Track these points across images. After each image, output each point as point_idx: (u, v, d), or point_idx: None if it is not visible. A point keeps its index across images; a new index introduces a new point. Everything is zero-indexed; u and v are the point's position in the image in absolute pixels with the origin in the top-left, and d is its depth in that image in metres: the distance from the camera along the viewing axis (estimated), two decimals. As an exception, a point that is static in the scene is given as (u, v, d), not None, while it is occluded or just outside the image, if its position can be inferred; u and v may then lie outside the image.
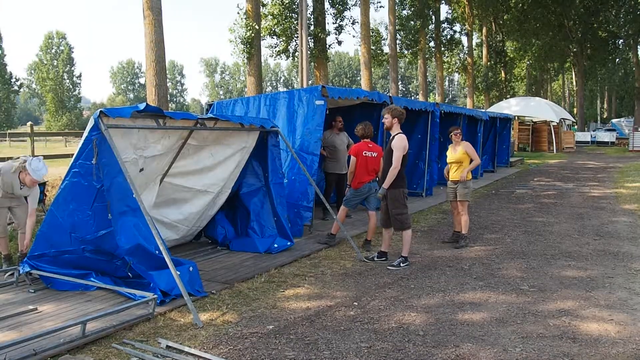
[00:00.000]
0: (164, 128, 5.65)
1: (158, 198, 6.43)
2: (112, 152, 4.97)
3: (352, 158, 7.14)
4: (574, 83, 55.47)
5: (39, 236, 5.37)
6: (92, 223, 5.13)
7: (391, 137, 6.52)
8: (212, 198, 7.13)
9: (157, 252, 5.20)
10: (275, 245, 7.04)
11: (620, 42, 48.59)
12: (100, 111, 4.98)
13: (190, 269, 5.26)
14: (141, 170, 5.77)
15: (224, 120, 6.43)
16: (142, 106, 5.19)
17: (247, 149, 7.14)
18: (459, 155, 7.59)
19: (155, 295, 4.72)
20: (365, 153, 7.05)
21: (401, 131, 6.52)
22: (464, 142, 7.70)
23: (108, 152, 5.02)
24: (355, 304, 5.11)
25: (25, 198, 6.13)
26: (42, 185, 8.18)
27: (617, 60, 50.53)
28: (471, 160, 7.61)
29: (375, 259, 6.71)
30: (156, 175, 6.27)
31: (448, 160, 7.77)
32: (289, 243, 7.17)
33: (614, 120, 47.83)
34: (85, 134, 5.07)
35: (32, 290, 5.31)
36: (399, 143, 6.38)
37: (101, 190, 5.08)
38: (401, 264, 6.42)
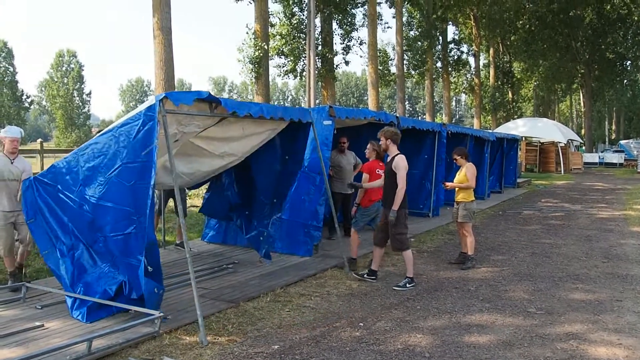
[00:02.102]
0: (213, 115, 5.71)
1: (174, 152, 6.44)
2: (153, 152, 4.90)
3: (365, 175, 7.21)
4: (582, 104, 55.42)
5: (54, 169, 5.51)
6: (100, 189, 5.19)
7: (390, 158, 6.57)
8: (225, 164, 7.18)
9: (139, 256, 4.98)
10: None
11: (628, 64, 48.66)
12: (164, 96, 4.93)
13: (155, 290, 5.05)
14: (176, 141, 5.82)
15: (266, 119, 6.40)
16: (205, 94, 5.25)
17: (277, 130, 7.20)
18: (461, 177, 7.64)
19: (162, 314, 4.73)
20: (378, 171, 7.14)
21: (399, 152, 6.56)
22: (469, 164, 7.72)
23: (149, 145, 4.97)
24: (361, 324, 5.09)
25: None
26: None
27: (625, 81, 50.52)
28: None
29: (365, 276, 6.69)
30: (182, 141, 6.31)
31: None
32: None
33: (622, 142, 47.65)
34: (138, 110, 5.05)
35: (39, 307, 5.34)
36: (402, 163, 6.43)
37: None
38: (407, 285, 6.40)
